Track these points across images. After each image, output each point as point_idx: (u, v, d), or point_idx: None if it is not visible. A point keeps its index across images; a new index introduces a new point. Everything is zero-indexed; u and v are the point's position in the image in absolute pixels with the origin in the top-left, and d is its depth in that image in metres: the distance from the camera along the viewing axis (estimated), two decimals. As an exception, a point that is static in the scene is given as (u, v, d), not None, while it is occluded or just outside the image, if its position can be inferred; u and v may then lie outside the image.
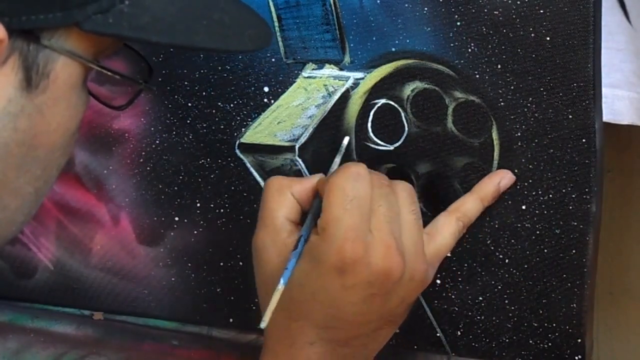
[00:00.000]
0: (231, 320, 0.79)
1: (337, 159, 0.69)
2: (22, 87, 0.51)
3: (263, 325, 0.59)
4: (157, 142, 0.76)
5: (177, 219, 0.78)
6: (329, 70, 0.71)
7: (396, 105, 0.70)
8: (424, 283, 0.64)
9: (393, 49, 0.69)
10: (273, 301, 0.59)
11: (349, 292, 0.61)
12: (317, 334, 0.63)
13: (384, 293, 0.61)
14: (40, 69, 0.51)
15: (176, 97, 0.75)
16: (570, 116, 0.67)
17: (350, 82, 0.71)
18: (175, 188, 0.77)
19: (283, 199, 0.65)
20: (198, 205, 0.77)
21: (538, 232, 0.69)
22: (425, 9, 0.67)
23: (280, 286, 0.60)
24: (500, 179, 0.68)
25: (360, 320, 0.62)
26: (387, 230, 0.61)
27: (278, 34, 0.71)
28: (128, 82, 0.58)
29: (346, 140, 0.70)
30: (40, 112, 0.52)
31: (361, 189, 0.61)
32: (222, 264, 0.78)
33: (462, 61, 0.68)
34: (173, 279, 0.80)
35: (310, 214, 0.64)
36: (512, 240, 0.70)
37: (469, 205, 0.68)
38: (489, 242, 0.70)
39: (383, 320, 0.63)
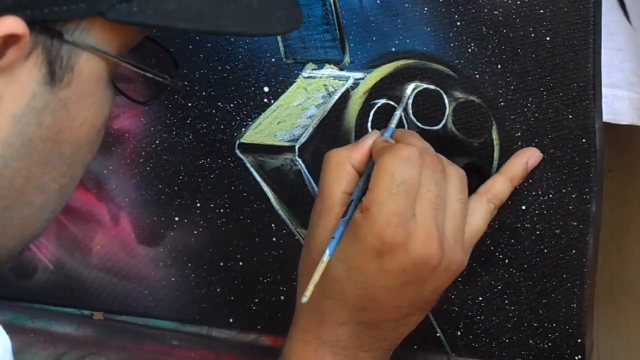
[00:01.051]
0: (231, 320, 0.79)
1: (398, 112, 0.67)
2: (45, 82, 0.51)
3: (305, 300, 0.59)
4: (157, 142, 0.76)
5: (177, 219, 0.78)
6: (329, 70, 0.71)
7: (396, 105, 0.70)
8: (458, 272, 0.63)
9: (393, 49, 0.69)
10: (317, 272, 0.60)
11: (384, 276, 0.61)
12: (348, 315, 0.63)
13: (419, 281, 0.61)
14: (64, 63, 0.51)
15: (176, 97, 0.75)
16: (570, 116, 0.67)
17: (350, 82, 0.71)
18: (175, 188, 0.77)
19: (342, 172, 0.64)
20: (198, 205, 0.77)
21: (538, 232, 0.69)
22: (425, 9, 0.67)
23: (326, 257, 0.60)
24: (528, 158, 0.67)
25: (392, 304, 0.62)
26: (432, 217, 0.61)
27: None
28: (153, 76, 0.57)
29: (410, 88, 0.68)
30: (64, 107, 0.52)
31: (410, 174, 0.60)
32: (222, 264, 0.78)
33: (462, 61, 0.68)
34: (173, 279, 0.80)
35: (362, 179, 0.63)
36: (512, 240, 0.70)
37: (499, 186, 0.67)
38: (488, 242, 0.70)
39: (414, 306, 0.63)
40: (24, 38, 0.48)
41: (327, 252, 0.60)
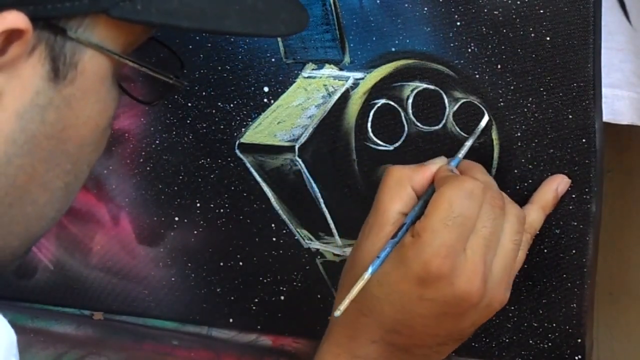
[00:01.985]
0: (231, 320, 0.79)
1: (469, 142, 0.67)
2: (49, 79, 0.50)
3: (338, 313, 0.59)
4: (157, 142, 0.76)
5: (177, 219, 0.78)
6: (329, 70, 0.71)
7: (396, 105, 0.70)
8: (499, 309, 0.63)
9: (393, 49, 0.69)
10: (355, 288, 0.59)
11: (424, 305, 0.60)
12: (381, 335, 0.62)
13: (458, 314, 0.61)
14: (68, 60, 0.50)
15: (176, 97, 0.75)
16: (570, 116, 0.67)
17: (350, 82, 0.71)
18: (175, 188, 0.77)
19: (401, 192, 0.63)
20: (198, 205, 0.77)
21: (538, 232, 0.69)
22: (425, 9, 0.67)
23: (367, 275, 0.59)
24: (557, 184, 0.67)
25: (428, 332, 0.62)
26: (481, 255, 0.60)
27: (278, 34, 0.71)
28: (159, 76, 0.57)
29: (484, 121, 0.68)
30: (68, 105, 0.52)
31: (469, 208, 0.60)
32: (222, 264, 0.78)
33: (462, 61, 0.68)
34: (173, 279, 0.80)
35: (420, 203, 0.63)
36: (512, 240, 0.70)
37: (533, 216, 0.66)
38: (489, 242, 0.70)
39: (449, 337, 0.63)
40: (26, 33, 0.48)
41: (370, 270, 0.60)
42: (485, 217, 0.61)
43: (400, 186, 0.63)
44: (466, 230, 0.60)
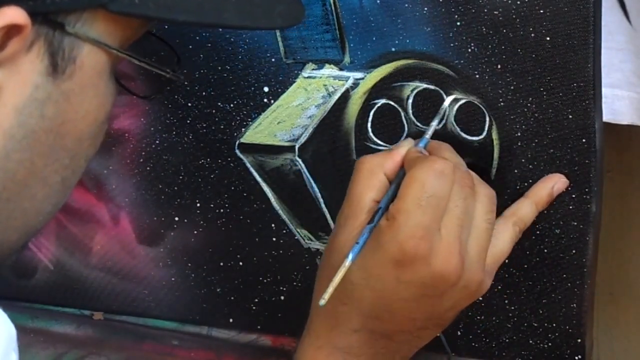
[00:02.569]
0: (231, 320, 0.79)
1: (434, 123, 0.67)
2: (48, 73, 0.51)
3: (322, 302, 0.59)
4: (157, 142, 0.76)
5: (177, 219, 0.78)
6: (329, 70, 0.71)
7: (396, 105, 0.70)
8: (478, 292, 0.63)
9: (393, 49, 0.69)
10: (338, 276, 0.59)
11: (402, 287, 0.60)
12: (363, 322, 0.62)
13: (436, 295, 0.61)
14: (66, 55, 0.51)
15: (176, 97, 0.75)
16: (570, 116, 0.67)
17: (350, 82, 0.71)
18: (175, 188, 0.77)
19: (373, 180, 0.63)
20: (198, 205, 0.77)
21: (538, 232, 0.69)
22: (425, 9, 0.67)
23: (348, 262, 0.59)
24: (554, 183, 0.67)
25: (407, 316, 0.62)
26: (456, 234, 0.61)
27: (278, 34, 0.71)
28: (155, 70, 0.57)
29: (448, 100, 0.68)
30: (67, 99, 0.52)
31: (441, 188, 0.60)
32: (222, 264, 0.78)
33: (462, 61, 0.68)
34: (173, 279, 0.80)
35: (392, 187, 0.63)
36: (512, 240, 0.70)
37: (524, 210, 0.67)
38: (489, 242, 0.70)
39: (430, 321, 0.63)
40: (25, 29, 0.48)
41: (350, 256, 0.60)
42: (456, 197, 0.61)
43: (372, 174, 0.64)
44: (439, 210, 0.60)
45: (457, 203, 0.61)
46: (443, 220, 0.60)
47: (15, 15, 0.47)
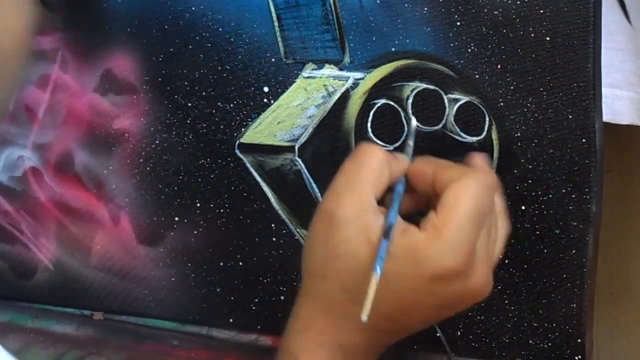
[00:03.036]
0: (231, 320, 0.79)
1: (411, 142, 0.66)
2: None
3: (364, 318, 0.55)
4: (157, 142, 0.76)
5: (177, 219, 0.78)
6: (329, 70, 0.71)
7: (396, 105, 0.70)
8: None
9: (393, 49, 0.69)
10: (371, 291, 0.55)
11: (430, 298, 0.58)
12: (375, 323, 0.58)
13: (458, 307, 0.60)
14: None
15: (176, 97, 0.75)
16: (570, 116, 0.67)
17: (350, 82, 0.71)
18: (175, 188, 0.77)
19: (382, 177, 0.60)
20: (198, 205, 0.77)
21: (538, 232, 0.69)
22: (425, 9, 0.67)
23: (378, 275, 0.55)
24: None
25: (421, 320, 0.60)
26: (488, 250, 0.59)
27: (278, 34, 0.71)
28: None
29: (414, 122, 0.67)
30: None
31: (490, 204, 0.59)
32: (222, 264, 0.78)
33: (462, 61, 0.68)
34: (173, 279, 0.80)
35: (396, 199, 0.60)
36: (512, 240, 0.70)
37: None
38: (489, 242, 0.70)
39: (434, 323, 0.62)
40: None
41: (378, 271, 0.56)
42: (492, 216, 0.61)
43: (381, 170, 0.60)
44: (484, 227, 0.59)
45: (492, 222, 0.61)
46: (479, 237, 0.59)
47: None
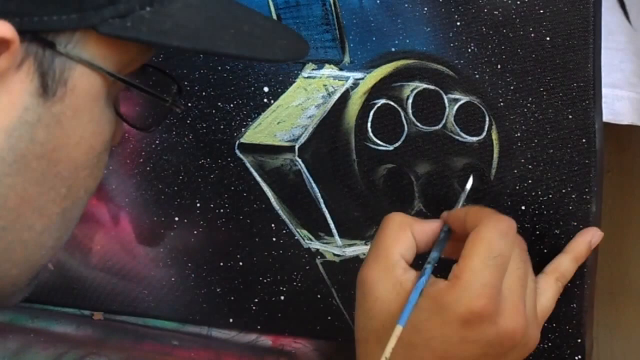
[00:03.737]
0: (231, 320, 0.79)
1: (462, 198, 0.68)
2: (38, 94, 0.49)
3: None
4: (157, 142, 0.76)
5: (177, 219, 0.78)
6: (329, 70, 0.71)
7: (396, 106, 0.70)
8: (532, 349, 0.63)
9: (393, 49, 0.69)
10: (393, 338, 0.58)
11: (467, 346, 0.59)
12: None
13: (498, 355, 0.60)
14: (57, 76, 0.49)
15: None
16: (570, 116, 0.67)
17: (350, 82, 0.71)
18: (175, 188, 0.77)
19: (403, 236, 0.63)
20: (198, 205, 0.77)
21: (538, 232, 0.69)
22: (425, 9, 0.67)
23: (400, 327, 0.58)
24: (591, 237, 0.68)
25: None
26: (520, 294, 0.61)
27: (278, 34, 0.71)
28: (153, 98, 0.55)
29: (470, 182, 0.68)
30: (58, 123, 0.50)
31: (506, 248, 0.60)
32: (222, 264, 0.78)
33: (462, 61, 0.68)
34: (173, 279, 0.80)
35: (438, 244, 0.63)
36: (512, 240, 0.70)
37: (565, 266, 0.67)
38: (488, 242, 0.70)
39: None
40: (13, 44, 0.47)
41: (401, 322, 0.58)
42: (517, 259, 0.61)
43: (401, 230, 0.63)
44: (504, 269, 0.60)
45: (518, 265, 0.61)
46: (505, 280, 0.60)
47: (1, 28, 0.46)
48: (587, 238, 0.68)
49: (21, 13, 0.47)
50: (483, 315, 0.59)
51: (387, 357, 0.57)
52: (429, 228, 0.64)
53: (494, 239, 0.60)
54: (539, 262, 0.70)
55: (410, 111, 0.70)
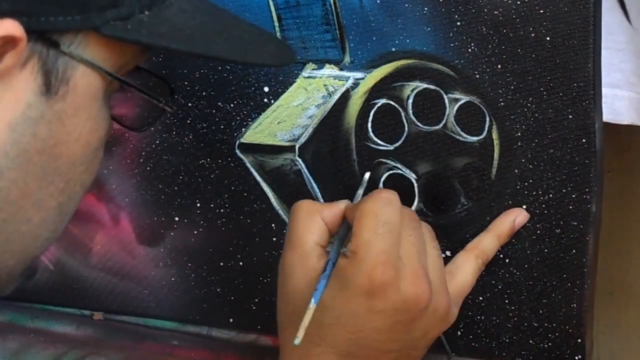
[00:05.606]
0: (231, 320, 0.79)
1: (360, 191, 0.68)
2: (41, 92, 0.51)
3: (297, 341, 0.58)
4: (157, 142, 0.76)
5: (177, 219, 0.78)
6: (329, 70, 0.71)
7: (396, 105, 0.70)
8: (447, 319, 0.64)
9: (393, 49, 0.69)
10: (305, 319, 0.59)
11: (375, 317, 0.61)
12: (345, 350, 0.62)
13: (409, 321, 0.61)
14: (60, 74, 0.51)
15: (176, 97, 0.75)
16: (570, 116, 0.67)
17: (350, 82, 0.71)
18: (175, 188, 0.77)
19: (313, 222, 0.64)
20: (198, 205, 0.77)
21: (538, 232, 0.69)
22: (425, 9, 0.67)
23: (312, 305, 0.59)
24: (515, 217, 0.69)
25: (382, 348, 0.62)
26: (417, 259, 0.61)
27: (278, 34, 0.71)
28: (147, 98, 0.58)
29: (367, 175, 0.69)
30: (60, 120, 0.52)
31: (392, 215, 0.61)
32: (222, 264, 0.78)
33: (462, 61, 0.68)
34: (173, 279, 0.80)
35: (338, 238, 0.64)
36: (512, 240, 0.70)
37: (486, 243, 0.68)
38: (489, 242, 0.70)
39: (403, 351, 0.63)
40: (21, 42, 0.48)
41: (313, 300, 0.60)
42: (407, 227, 0.62)
43: (310, 217, 0.64)
44: (395, 236, 0.61)
45: (409, 232, 0.62)
46: (401, 248, 0.61)
47: (11, 27, 0.48)
48: (511, 217, 0.69)
49: (29, 13, 0.49)
50: (384, 282, 0.60)
51: (300, 338, 0.58)
52: (337, 211, 0.65)
53: (378, 208, 0.61)
54: (539, 262, 0.70)
55: (410, 111, 0.70)
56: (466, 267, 0.67)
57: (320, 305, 0.60)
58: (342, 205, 0.65)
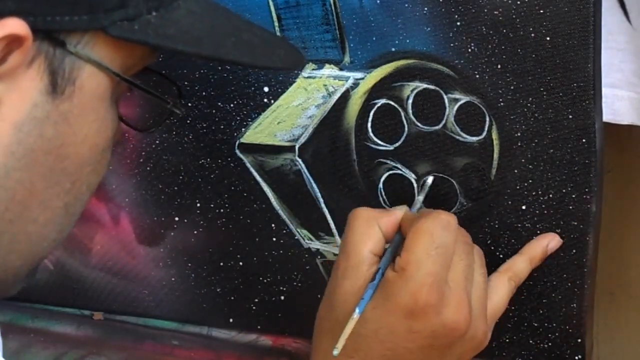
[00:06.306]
0: (231, 320, 0.79)
1: (420, 197, 0.68)
2: (47, 92, 0.51)
3: (336, 352, 0.58)
4: (157, 142, 0.76)
5: (177, 219, 0.78)
6: (329, 70, 0.71)
7: (396, 105, 0.70)
8: (482, 344, 0.64)
9: (393, 49, 0.69)
10: (347, 328, 0.59)
11: (412, 337, 0.61)
12: None
13: (445, 346, 0.61)
14: (66, 74, 0.51)
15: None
16: (570, 116, 0.67)
17: (350, 82, 0.71)
18: (175, 188, 0.77)
19: (370, 231, 0.64)
20: (198, 205, 0.77)
21: (538, 232, 0.69)
22: (425, 9, 0.67)
23: (356, 315, 0.59)
24: (548, 241, 0.69)
25: None
26: (463, 286, 0.62)
27: (278, 34, 0.71)
28: (155, 99, 0.58)
29: (430, 179, 0.69)
30: (66, 120, 0.52)
31: (448, 239, 0.61)
32: (222, 264, 0.78)
33: (462, 61, 0.68)
34: (173, 279, 0.80)
35: (390, 248, 0.64)
36: (512, 240, 0.70)
37: (519, 266, 0.68)
38: (489, 242, 0.70)
39: None
40: (26, 41, 0.48)
41: (357, 310, 0.60)
42: (460, 251, 0.62)
43: (368, 226, 0.64)
44: (447, 260, 0.61)
45: (461, 257, 0.62)
46: (450, 273, 0.61)
47: (16, 25, 0.48)
48: (544, 242, 0.69)
49: (35, 12, 0.48)
50: (427, 304, 0.60)
51: (339, 349, 0.58)
52: (395, 220, 0.65)
53: (435, 230, 0.61)
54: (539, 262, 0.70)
55: (410, 111, 0.70)
56: (500, 290, 0.66)
57: (362, 316, 0.60)
58: (399, 213, 0.65)
